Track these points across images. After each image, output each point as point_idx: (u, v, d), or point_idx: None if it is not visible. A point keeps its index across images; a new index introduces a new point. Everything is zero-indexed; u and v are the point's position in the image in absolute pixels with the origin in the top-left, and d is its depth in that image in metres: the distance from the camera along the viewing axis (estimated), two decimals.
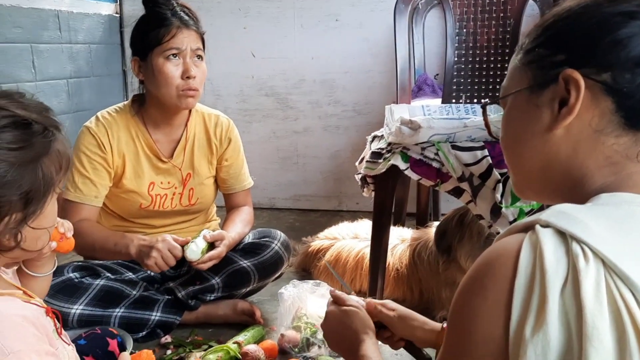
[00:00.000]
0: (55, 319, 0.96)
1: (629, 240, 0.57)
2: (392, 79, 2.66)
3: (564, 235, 0.57)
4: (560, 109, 0.66)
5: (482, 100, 1.68)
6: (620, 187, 0.64)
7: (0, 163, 0.80)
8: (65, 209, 1.64)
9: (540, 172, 0.70)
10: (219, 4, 2.99)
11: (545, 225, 0.59)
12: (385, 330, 1.11)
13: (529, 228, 0.60)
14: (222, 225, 1.86)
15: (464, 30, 1.75)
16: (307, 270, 2.20)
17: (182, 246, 1.59)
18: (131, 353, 1.11)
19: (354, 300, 1.10)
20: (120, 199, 1.75)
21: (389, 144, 1.58)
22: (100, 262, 1.72)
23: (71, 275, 1.62)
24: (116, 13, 3.08)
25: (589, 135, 0.65)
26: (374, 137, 1.74)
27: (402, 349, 1.13)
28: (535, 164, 0.70)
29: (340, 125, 3.02)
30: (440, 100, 1.92)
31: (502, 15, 1.74)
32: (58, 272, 1.54)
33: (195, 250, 1.59)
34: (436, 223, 1.97)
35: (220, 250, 1.64)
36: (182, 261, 1.63)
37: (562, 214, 0.59)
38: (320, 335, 1.56)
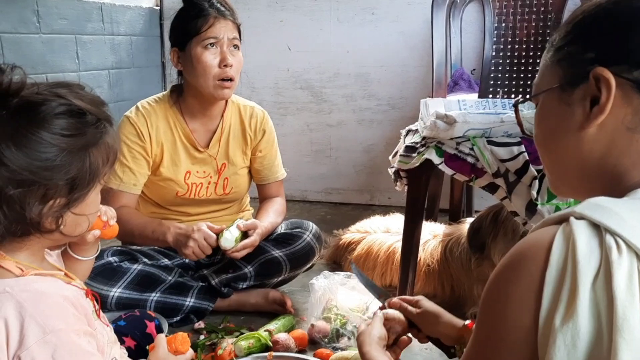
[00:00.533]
0: (95, 301, 0.99)
1: None
2: (427, 74, 2.63)
3: (598, 228, 0.57)
4: (592, 108, 0.65)
5: (521, 96, 1.65)
6: None
7: (52, 147, 0.83)
8: (106, 196, 1.69)
9: (575, 169, 0.70)
10: None
11: (580, 218, 0.58)
12: (413, 328, 1.14)
13: (563, 220, 0.60)
14: (255, 215, 1.89)
15: (503, 24, 1.71)
16: (337, 262, 2.21)
17: (217, 234, 1.63)
18: (166, 336, 1.14)
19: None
20: (158, 187, 1.80)
21: (424, 138, 1.57)
22: (138, 247, 1.77)
23: (110, 259, 1.67)
24: (156, 6, 3.14)
25: (622, 132, 0.64)
26: (408, 131, 1.73)
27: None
28: (569, 162, 0.70)
29: (374, 119, 3.01)
30: (476, 95, 1.89)
31: (542, 9, 1.69)
32: (98, 255, 1.58)
33: (230, 239, 1.62)
34: (469, 219, 1.95)
35: (254, 239, 1.67)
36: (216, 249, 1.67)
37: (597, 206, 0.59)
38: (349, 326, 1.57)
